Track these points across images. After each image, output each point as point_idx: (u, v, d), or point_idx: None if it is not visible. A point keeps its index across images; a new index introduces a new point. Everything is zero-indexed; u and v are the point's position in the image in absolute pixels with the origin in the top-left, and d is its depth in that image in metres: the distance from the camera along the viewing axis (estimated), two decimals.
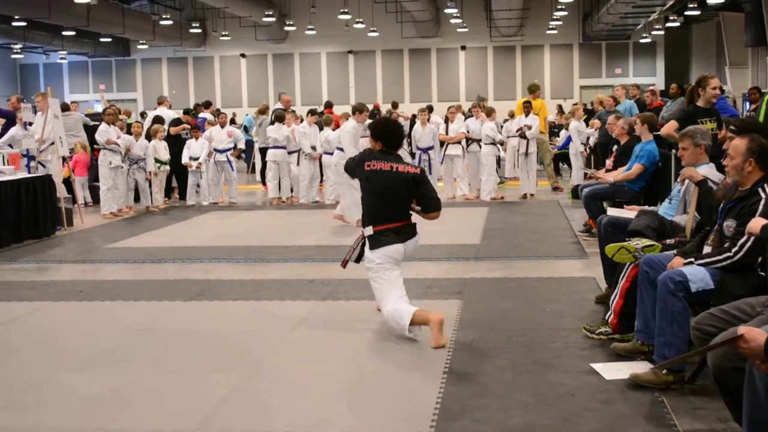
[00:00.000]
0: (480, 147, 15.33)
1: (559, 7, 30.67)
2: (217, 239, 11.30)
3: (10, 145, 13.14)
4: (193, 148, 15.35)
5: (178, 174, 16.07)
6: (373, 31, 33.53)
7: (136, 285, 8.53)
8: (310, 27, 33.62)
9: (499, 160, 16.67)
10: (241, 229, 12.56)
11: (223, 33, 34.93)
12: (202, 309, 7.46)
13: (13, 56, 37.36)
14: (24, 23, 28.75)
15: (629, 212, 6.94)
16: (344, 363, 5.71)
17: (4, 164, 11.95)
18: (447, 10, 31.62)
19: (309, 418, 4.70)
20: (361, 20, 32.32)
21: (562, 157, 18.03)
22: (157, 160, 14.95)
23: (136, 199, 14.92)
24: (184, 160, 15.29)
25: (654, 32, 32.46)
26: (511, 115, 16.94)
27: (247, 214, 14.50)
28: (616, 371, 5.22)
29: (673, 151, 8.92)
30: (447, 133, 15.67)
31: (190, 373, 5.54)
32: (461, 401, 4.83)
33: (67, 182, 13.56)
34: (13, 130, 13.50)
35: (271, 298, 7.73)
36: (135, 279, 8.87)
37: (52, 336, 6.67)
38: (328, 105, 20.70)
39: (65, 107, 16.08)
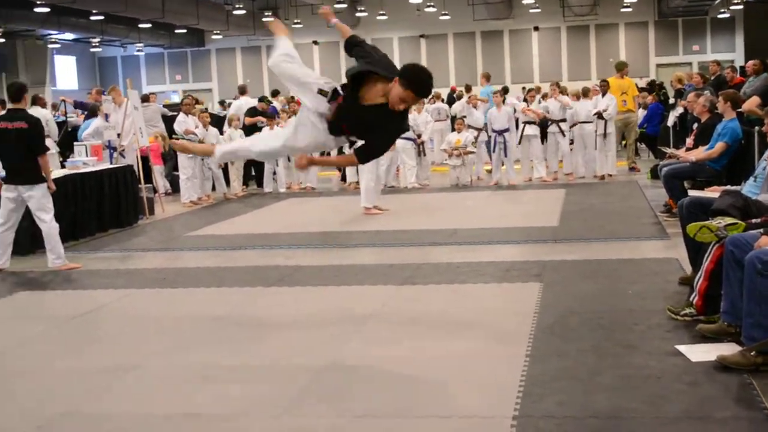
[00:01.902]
0: (559, 128, 15.22)
1: None
2: (295, 225, 11.38)
3: (93, 137, 13.43)
4: None
5: (255, 162, 16.24)
6: (445, 14, 33.38)
7: (217, 272, 8.66)
8: (381, 12, 33.64)
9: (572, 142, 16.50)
10: (318, 214, 12.64)
11: (296, 21, 35.07)
12: (283, 295, 7.54)
13: (92, 50, 38.07)
14: (101, 17, 29.28)
15: (711, 193, 6.82)
16: (425, 347, 5.71)
17: (87, 156, 12.19)
18: None
19: (392, 402, 4.71)
20: (432, 4, 32.20)
21: (641, 137, 17.76)
22: None
23: (213, 187, 15.12)
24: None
25: (733, 7, 31.65)
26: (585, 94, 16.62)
27: (323, 200, 14.59)
28: (702, 353, 5.13)
29: (756, 128, 8.73)
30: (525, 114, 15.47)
31: (274, 358, 5.59)
32: (544, 384, 4.80)
33: (147, 172, 13.78)
34: (96, 122, 13.81)
35: (350, 283, 7.76)
36: (216, 266, 9.00)
37: (138, 323, 6.81)
38: None
39: (145, 98, 16.37)
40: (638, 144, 18.24)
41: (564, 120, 15.36)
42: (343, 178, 16.38)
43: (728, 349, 5.04)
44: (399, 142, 14.65)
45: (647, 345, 5.43)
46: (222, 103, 24.66)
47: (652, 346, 5.39)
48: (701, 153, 9.24)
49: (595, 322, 6.00)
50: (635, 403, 4.46)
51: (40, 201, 8.98)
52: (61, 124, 16.78)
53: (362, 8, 34.18)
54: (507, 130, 15.08)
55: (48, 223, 8.99)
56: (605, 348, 5.41)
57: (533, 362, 5.19)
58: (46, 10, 26.42)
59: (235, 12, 31.75)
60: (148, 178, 13.53)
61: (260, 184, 16.14)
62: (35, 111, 14.09)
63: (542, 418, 4.33)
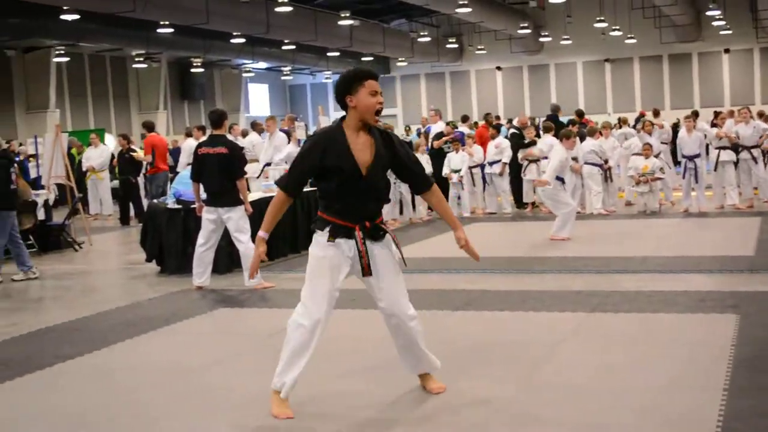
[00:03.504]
0: (750, 154, 14.60)
1: None
2: (479, 250, 11.33)
3: (286, 161, 13.89)
4: (454, 161, 15.61)
5: (439, 186, 16.37)
6: (631, 37, 32.68)
7: None
8: (565, 37, 33.30)
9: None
10: (502, 239, 12.63)
11: (479, 47, 35.26)
12: (470, 319, 7.55)
13: (283, 78, 39.49)
14: (293, 47, 30.32)
15: None
16: (618, 376, 5.57)
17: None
18: (709, 13, 30.26)
19: (583, 429, 4.63)
20: (617, 27, 31.58)
21: None
22: None
23: (401, 211, 15.32)
24: (445, 171, 15.59)
25: None
26: None
27: (506, 224, 14.54)
28: None
29: None
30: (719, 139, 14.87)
31: (460, 381, 5.56)
32: (745, 420, 4.59)
33: None
34: (289, 148, 14.29)
35: (538, 309, 7.69)
36: None
37: (330, 342, 6.91)
38: (581, 114, 20.43)
39: None
40: None
41: (757, 146, 14.73)
42: (520, 205, 16.29)
43: None
44: (585, 168, 14.50)
45: None
46: (408, 128, 25.06)
47: None
48: None
49: None
50: None
51: (238, 222, 9.36)
52: None
53: (546, 33, 34.02)
54: (698, 155, 14.62)
55: (245, 244, 9.35)
56: None
57: (732, 397, 4.97)
58: (242, 40, 27.64)
59: (420, 39, 32.27)
60: None
61: None
62: (251, 137, 14.83)
63: None
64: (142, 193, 17.94)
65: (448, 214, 5.46)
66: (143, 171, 17.78)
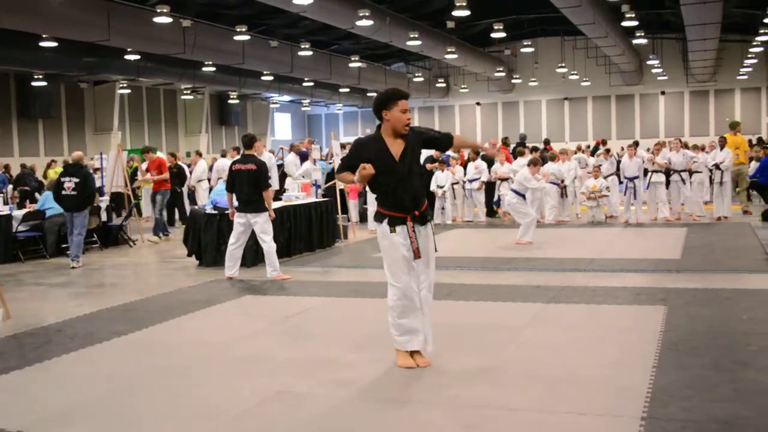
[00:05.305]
0: (680, 176, 14.59)
1: (749, 55, 28.79)
2: (459, 251, 11.37)
3: (303, 176, 13.88)
4: (440, 179, 15.60)
5: (427, 198, 16.37)
6: (585, 80, 32.80)
7: None
8: (533, 79, 33.40)
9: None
10: (477, 243, 12.60)
11: (462, 86, 35.26)
12: (450, 306, 7.51)
13: (303, 109, 39.48)
14: (311, 83, 30.37)
15: None
16: (567, 355, 5.57)
17: (298, 191, 12.61)
18: (649, 62, 30.44)
19: (538, 398, 4.61)
20: (575, 72, 31.79)
21: (753, 186, 16.83)
22: None
23: None
24: (432, 187, 15.58)
25: None
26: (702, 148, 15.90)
27: (482, 231, 14.53)
28: None
29: None
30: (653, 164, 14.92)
31: (443, 355, 5.54)
32: (669, 392, 4.59)
33: (343, 204, 14.12)
34: (306, 165, 14.28)
35: (504, 300, 7.68)
36: None
37: (336, 323, 6.94)
38: (547, 142, 20.44)
39: (343, 146, 16.80)
40: (750, 191, 17.32)
41: (685, 170, 14.73)
42: (490, 214, 16.29)
43: None
44: (547, 184, 14.49)
45: (760, 363, 5.12)
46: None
47: (764, 364, 5.09)
48: None
49: (714, 342, 5.71)
50: (749, 413, 4.21)
51: (263, 226, 9.35)
52: (279, 166, 17.49)
53: (517, 76, 34.04)
54: (637, 177, 14.63)
55: (268, 243, 9.35)
56: (723, 364, 5.13)
57: (659, 373, 4.98)
58: (270, 78, 27.67)
59: (415, 79, 32.26)
60: (344, 209, 13.86)
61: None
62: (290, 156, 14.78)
63: (668, 421, 4.14)
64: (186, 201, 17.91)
65: (470, 143, 6.13)
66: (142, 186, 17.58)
